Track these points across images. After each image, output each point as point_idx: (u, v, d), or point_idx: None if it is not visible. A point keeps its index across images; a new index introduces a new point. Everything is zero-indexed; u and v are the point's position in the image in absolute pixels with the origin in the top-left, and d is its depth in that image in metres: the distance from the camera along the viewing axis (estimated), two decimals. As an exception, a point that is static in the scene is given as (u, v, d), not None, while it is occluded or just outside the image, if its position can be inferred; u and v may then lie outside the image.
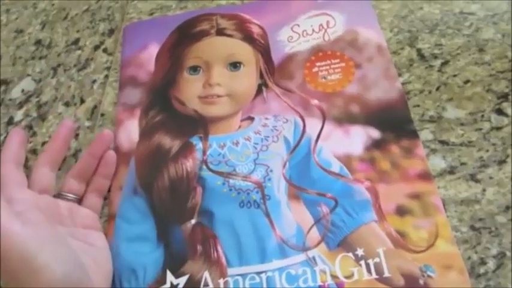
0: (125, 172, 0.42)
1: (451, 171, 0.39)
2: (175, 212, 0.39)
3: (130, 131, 0.44)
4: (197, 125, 0.42)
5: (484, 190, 0.38)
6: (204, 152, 0.41)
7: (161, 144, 0.41)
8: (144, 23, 0.53)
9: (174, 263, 0.37)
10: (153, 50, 0.47)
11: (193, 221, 0.38)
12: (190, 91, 0.43)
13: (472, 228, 0.36)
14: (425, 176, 0.38)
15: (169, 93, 0.44)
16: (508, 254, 0.35)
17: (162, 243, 0.38)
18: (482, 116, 0.41)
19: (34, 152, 0.48)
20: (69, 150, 0.47)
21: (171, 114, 0.43)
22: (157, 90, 0.45)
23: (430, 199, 0.37)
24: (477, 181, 0.38)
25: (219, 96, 0.43)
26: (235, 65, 0.44)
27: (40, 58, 0.56)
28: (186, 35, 0.46)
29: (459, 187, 0.38)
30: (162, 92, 0.44)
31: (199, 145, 0.41)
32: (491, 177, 0.38)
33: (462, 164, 0.39)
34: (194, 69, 0.44)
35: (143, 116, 0.44)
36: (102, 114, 0.48)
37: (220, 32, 0.45)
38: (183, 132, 0.42)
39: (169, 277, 0.36)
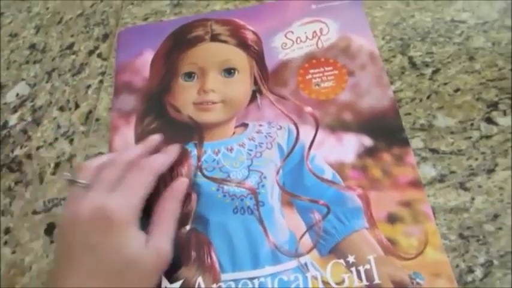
0: (120, 178, 0.42)
1: (441, 179, 0.40)
2: (170, 218, 0.39)
3: (126, 138, 0.44)
4: (192, 131, 0.43)
5: (472, 198, 0.39)
6: (198, 159, 0.41)
7: (157, 151, 0.41)
8: (139, 29, 0.53)
9: (168, 268, 0.37)
10: (148, 56, 0.47)
11: (187, 227, 0.39)
12: (185, 98, 0.44)
13: (461, 236, 0.37)
14: (415, 184, 0.39)
15: (165, 99, 0.44)
16: (496, 262, 0.36)
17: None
18: (472, 124, 0.42)
19: (29, 156, 0.49)
20: (64, 155, 0.48)
21: (166, 121, 0.44)
22: (152, 97, 0.45)
23: (420, 207, 0.38)
24: (466, 189, 0.39)
25: (213, 102, 0.43)
26: (229, 72, 0.44)
27: (34, 62, 0.56)
28: (180, 40, 0.46)
29: (448, 195, 0.39)
30: (157, 99, 0.45)
31: (194, 152, 0.42)
32: (480, 186, 0.39)
33: (452, 172, 0.40)
34: (189, 75, 0.44)
35: (139, 122, 0.45)
36: (97, 119, 0.49)
37: (215, 38, 0.45)
38: (178, 139, 0.42)
39: (164, 282, 0.37)
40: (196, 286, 0.36)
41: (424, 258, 0.36)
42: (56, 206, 0.45)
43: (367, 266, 0.36)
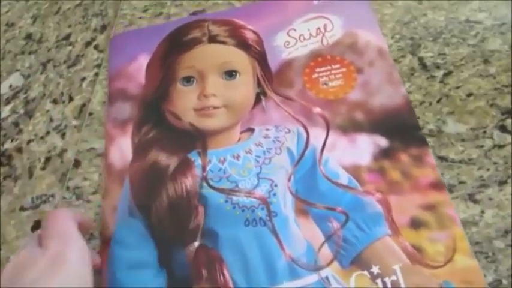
0: (119, 192, 0.39)
1: (449, 189, 0.37)
2: (177, 234, 0.36)
3: (123, 149, 0.41)
4: (194, 139, 0.40)
5: (482, 212, 0.36)
6: (203, 168, 0.38)
7: (157, 162, 0.38)
8: (133, 33, 0.50)
9: (178, 289, 0.35)
10: (143, 60, 0.44)
11: (196, 244, 0.36)
12: (184, 104, 0.41)
13: (468, 252, 0.35)
14: (438, 186, 0.37)
15: (163, 106, 0.41)
16: (505, 282, 0.33)
17: (164, 268, 0.36)
18: (485, 132, 0.40)
19: (19, 150, 0.47)
20: (55, 150, 0.46)
21: (165, 129, 0.41)
22: (149, 104, 0.42)
23: (445, 210, 0.36)
24: (476, 202, 0.37)
25: (215, 107, 0.40)
26: (230, 74, 0.41)
27: (30, 53, 0.55)
28: (177, 43, 0.43)
29: (456, 207, 0.36)
30: (154, 106, 0.42)
31: (198, 161, 0.39)
32: (490, 199, 0.37)
33: (461, 182, 0.38)
34: (188, 80, 0.41)
35: (136, 132, 0.41)
36: (90, 114, 0.47)
37: (213, 39, 0.42)
38: (180, 148, 0.39)
39: (175, 304, 0.34)
40: (209, 307, 0.33)
41: (453, 265, 0.33)
42: (44, 202, 0.43)
43: (394, 277, 0.33)
